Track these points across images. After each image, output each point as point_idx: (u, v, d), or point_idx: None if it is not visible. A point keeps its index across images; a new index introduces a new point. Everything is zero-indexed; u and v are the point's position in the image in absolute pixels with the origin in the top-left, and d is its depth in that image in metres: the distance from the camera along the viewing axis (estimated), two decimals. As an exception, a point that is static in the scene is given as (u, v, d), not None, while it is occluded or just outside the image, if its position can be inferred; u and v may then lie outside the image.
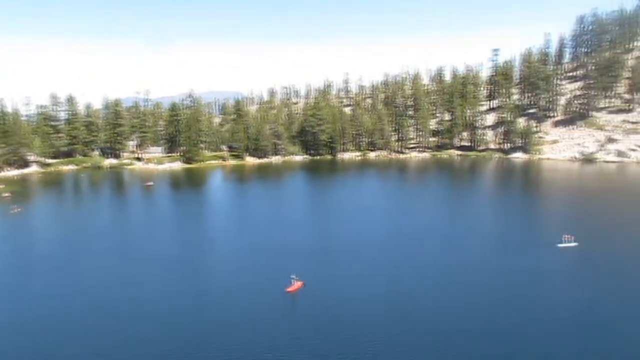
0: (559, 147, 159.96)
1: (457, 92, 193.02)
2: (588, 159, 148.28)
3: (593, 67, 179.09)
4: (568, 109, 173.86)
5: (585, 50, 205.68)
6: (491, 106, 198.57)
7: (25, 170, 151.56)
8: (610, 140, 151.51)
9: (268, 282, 52.18)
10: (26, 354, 38.87)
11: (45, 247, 70.30)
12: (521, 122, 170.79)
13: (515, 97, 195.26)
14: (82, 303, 48.00)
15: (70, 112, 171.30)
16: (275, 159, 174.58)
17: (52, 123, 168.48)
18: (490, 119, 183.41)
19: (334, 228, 77.13)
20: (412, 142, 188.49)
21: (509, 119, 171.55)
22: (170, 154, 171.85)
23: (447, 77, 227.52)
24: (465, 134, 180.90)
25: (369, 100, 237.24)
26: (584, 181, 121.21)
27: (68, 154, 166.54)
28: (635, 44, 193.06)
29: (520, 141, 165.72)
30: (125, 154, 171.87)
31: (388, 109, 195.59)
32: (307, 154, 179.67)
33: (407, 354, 36.87)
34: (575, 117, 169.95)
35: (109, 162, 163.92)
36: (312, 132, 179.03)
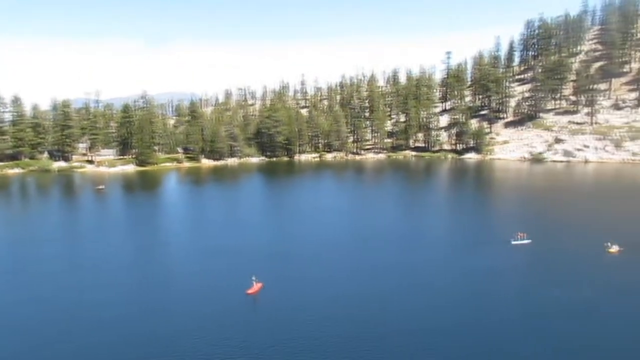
0: (510, 148, 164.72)
1: (411, 94, 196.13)
2: (537, 159, 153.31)
3: (540, 70, 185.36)
4: (518, 111, 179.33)
5: (533, 53, 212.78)
6: (445, 108, 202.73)
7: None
8: (558, 140, 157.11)
9: (228, 285, 51.32)
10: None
11: (-11, 254, 66.93)
12: (473, 123, 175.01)
13: (468, 99, 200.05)
14: (32, 311, 45.81)
15: (15, 114, 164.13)
16: (231, 161, 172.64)
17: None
18: (444, 120, 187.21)
19: (293, 230, 76.78)
20: (368, 143, 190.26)
21: (461, 120, 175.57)
22: (122, 157, 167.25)
23: (402, 79, 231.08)
24: (420, 135, 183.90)
25: (325, 102, 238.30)
26: (534, 180, 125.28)
27: (14, 157, 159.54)
28: (579, 48, 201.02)
29: (472, 142, 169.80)
30: (75, 157, 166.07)
31: (344, 111, 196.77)
32: (263, 156, 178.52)
33: (368, 355, 36.87)
34: (525, 118, 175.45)
35: (58, 165, 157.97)
36: (268, 133, 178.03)
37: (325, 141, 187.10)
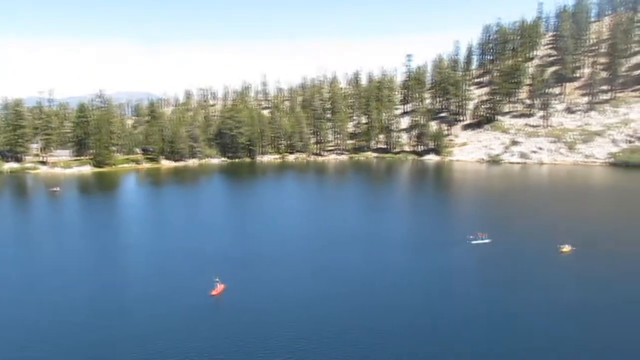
0: (468, 149, 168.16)
1: (373, 95, 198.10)
2: (494, 161, 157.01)
3: (497, 74, 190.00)
4: (476, 113, 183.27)
5: (491, 57, 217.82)
6: (405, 110, 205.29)
7: None
8: (514, 142, 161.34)
9: (191, 287, 50.79)
10: None
11: None
12: (433, 125, 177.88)
13: (428, 101, 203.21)
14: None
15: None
16: (192, 162, 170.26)
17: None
18: (405, 122, 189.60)
19: (255, 231, 76.24)
20: (331, 144, 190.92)
21: (422, 122, 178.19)
22: (79, 158, 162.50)
23: (364, 81, 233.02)
24: (381, 136, 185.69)
25: (287, 103, 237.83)
26: (492, 181, 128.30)
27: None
28: (535, 53, 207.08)
29: (432, 143, 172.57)
30: (28, 158, 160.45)
31: (306, 112, 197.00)
32: (225, 157, 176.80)
33: (330, 354, 36.91)
34: (483, 120, 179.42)
35: (9, 166, 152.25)
36: (230, 134, 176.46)
37: (288, 142, 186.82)
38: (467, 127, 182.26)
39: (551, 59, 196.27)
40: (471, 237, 65.35)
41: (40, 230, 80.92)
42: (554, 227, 72.27)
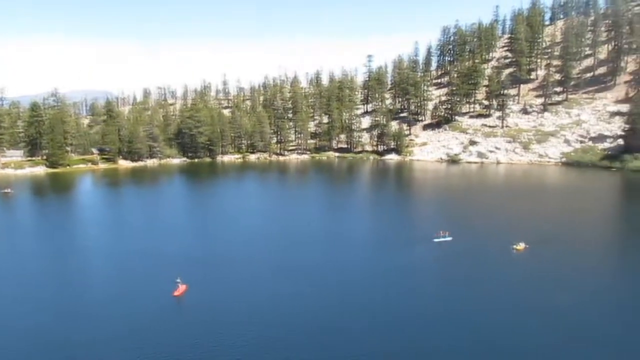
0: (428, 149, 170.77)
1: (334, 95, 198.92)
2: (453, 160, 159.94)
3: (456, 75, 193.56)
4: (435, 114, 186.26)
5: (449, 59, 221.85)
6: (366, 110, 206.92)
7: None
8: (472, 142, 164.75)
9: (152, 288, 50.14)
10: None
11: None
12: (394, 125, 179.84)
13: (388, 101, 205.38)
14: None
15: None
16: (151, 162, 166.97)
17: None
18: (366, 122, 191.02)
19: (216, 232, 75.54)
20: (292, 144, 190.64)
21: (382, 122, 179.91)
22: (31, 158, 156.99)
23: (325, 80, 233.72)
24: (342, 136, 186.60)
25: (248, 103, 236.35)
26: (451, 180, 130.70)
27: None
28: (491, 54, 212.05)
29: (393, 143, 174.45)
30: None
31: (267, 112, 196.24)
32: (185, 157, 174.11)
33: (292, 354, 36.81)
34: (442, 121, 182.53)
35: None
36: (190, 134, 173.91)
37: (249, 142, 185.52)
38: (427, 127, 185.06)
39: (507, 61, 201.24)
40: (435, 234, 66.31)
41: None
42: (510, 225, 74.28)
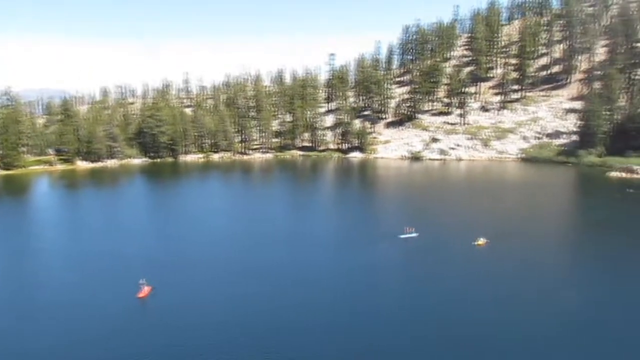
0: (391, 147, 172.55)
1: (297, 94, 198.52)
2: (416, 157, 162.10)
3: (417, 74, 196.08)
4: (397, 111, 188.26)
5: (411, 57, 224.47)
6: (329, 108, 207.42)
7: None
8: (434, 140, 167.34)
9: (116, 290, 49.34)
10: None
11: None
12: (357, 123, 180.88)
13: (351, 99, 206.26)
14: None
15: None
16: (111, 163, 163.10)
17: None
18: (329, 120, 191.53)
19: (180, 232, 74.46)
20: (256, 143, 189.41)
21: (346, 120, 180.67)
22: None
23: (287, 79, 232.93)
24: (306, 134, 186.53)
25: (210, 101, 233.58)
26: (415, 177, 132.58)
27: None
28: (452, 53, 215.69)
29: (356, 141, 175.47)
30: None
31: (230, 110, 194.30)
32: (146, 157, 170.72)
33: (257, 355, 36.66)
34: (404, 118, 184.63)
35: None
36: (151, 133, 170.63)
37: (212, 141, 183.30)
38: (389, 124, 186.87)
39: (467, 59, 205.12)
40: (402, 231, 67.04)
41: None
42: (471, 221, 75.83)
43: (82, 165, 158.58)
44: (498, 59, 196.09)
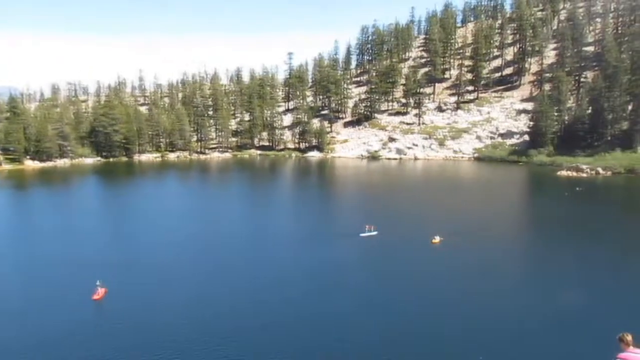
0: (349, 146, 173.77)
1: (255, 93, 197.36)
2: (373, 157, 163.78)
3: (375, 74, 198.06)
4: (355, 111, 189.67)
5: (369, 58, 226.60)
6: (288, 107, 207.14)
7: None
8: (391, 139, 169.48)
9: (69, 293, 47.63)
10: None
11: None
12: (315, 122, 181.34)
13: (310, 99, 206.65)
14: None
15: None
16: (61, 162, 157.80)
17: None
18: (288, 119, 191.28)
19: (136, 233, 72.71)
20: (213, 142, 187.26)
21: (304, 120, 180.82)
22: None
23: (245, 78, 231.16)
24: (264, 134, 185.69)
25: (166, 100, 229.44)
26: (373, 176, 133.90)
27: None
28: (408, 54, 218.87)
29: (315, 141, 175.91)
30: None
31: (187, 109, 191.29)
32: (99, 156, 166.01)
33: (215, 356, 36.20)
34: (362, 118, 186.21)
35: None
36: (104, 132, 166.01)
37: (168, 140, 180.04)
38: (347, 124, 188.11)
39: (423, 60, 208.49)
40: (362, 229, 67.44)
41: None
42: (428, 219, 77.10)
43: (31, 165, 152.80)
44: (453, 60, 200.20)
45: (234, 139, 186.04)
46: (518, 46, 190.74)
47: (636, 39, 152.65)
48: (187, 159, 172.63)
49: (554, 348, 36.95)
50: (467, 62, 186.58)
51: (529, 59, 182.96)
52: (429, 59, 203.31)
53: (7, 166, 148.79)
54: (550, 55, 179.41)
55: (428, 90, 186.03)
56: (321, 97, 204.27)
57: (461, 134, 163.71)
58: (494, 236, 68.19)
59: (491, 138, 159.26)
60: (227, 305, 45.29)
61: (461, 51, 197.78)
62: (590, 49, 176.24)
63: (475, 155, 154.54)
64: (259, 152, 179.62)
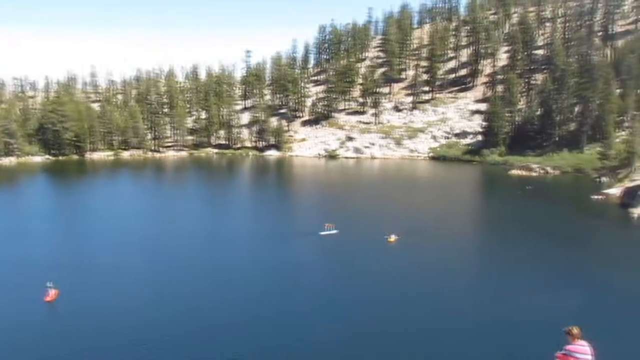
0: (307, 145, 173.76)
1: (212, 90, 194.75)
2: (331, 156, 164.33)
3: (332, 73, 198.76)
4: (313, 110, 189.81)
5: (326, 57, 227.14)
6: (245, 106, 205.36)
7: None
8: (349, 138, 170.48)
9: (19, 295, 46.14)
10: None
11: None
12: (273, 121, 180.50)
13: (268, 97, 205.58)
14: None
15: None
16: (7, 161, 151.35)
17: None
18: (245, 118, 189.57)
19: (88, 234, 70.46)
20: (169, 140, 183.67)
21: (262, 118, 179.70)
22: None
23: (202, 75, 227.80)
24: (221, 132, 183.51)
25: (120, 97, 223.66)
26: (331, 175, 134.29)
27: None
28: (365, 54, 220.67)
29: (273, 139, 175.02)
30: None
31: (141, 106, 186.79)
32: (49, 155, 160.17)
33: (167, 357, 35.58)
34: (320, 117, 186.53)
35: None
36: (53, 129, 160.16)
37: (122, 138, 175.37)
38: (305, 123, 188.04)
39: (380, 60, 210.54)
40: (322, 228, 67.41)
41: None
42: (385, 217, 77.85)
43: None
44: (409, 61, 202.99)
45: (190, 137, 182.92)
46: (472, 48, 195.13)
47: (583, 44, 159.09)
48: (142, 157, 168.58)
49: (506, 343, 37.94)
50: (423, 63, 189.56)
51: (483, 61, 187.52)
52: (386, 59, 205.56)
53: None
54: (502, 57, 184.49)
55: (385, 90, 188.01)
56: (279, 95, 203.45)
57: (417, 133, 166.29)
58: (449, 235, 69.52)
59: (446, 138, 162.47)
60: (185, 306, 44.47)
61: (417, 52, 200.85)
62: (540, 52, 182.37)
63: (431, 154, 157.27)
64: (215, 150, 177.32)
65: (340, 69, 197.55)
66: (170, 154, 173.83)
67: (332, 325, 41.02)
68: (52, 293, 45.38)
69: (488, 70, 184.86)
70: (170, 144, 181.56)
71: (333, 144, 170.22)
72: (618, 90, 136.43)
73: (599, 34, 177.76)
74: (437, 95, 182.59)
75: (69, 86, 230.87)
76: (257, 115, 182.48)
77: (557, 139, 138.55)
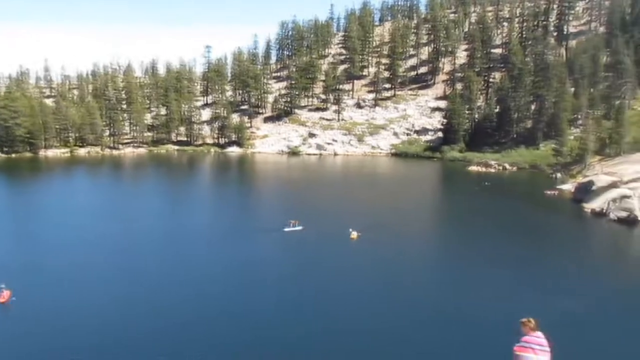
0: (269, 141, 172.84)
1: (172, 86, 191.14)
2: (293, 152, 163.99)
3: (294, 69, 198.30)
4: (275, 106, 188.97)
5: (288, 53, 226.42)
6: (206, 102, 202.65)
7: None
8: (311, 135, 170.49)
9: None
10: None
11: None
12: (235, 117, 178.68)
13: (229, 93, 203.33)
14: None
15: None
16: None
17: None
18: (206, 114, 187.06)
19: (42, 234, 68.17)
20: (127, 137, 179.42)
21: (223, 114, 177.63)
22: None
23: (161, 70, 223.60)
24: (182, 128, 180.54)
25: (75, 92, 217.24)
26: (294, 172, 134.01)
27: None
28: (327, 51, 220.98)
29: (234, 136, 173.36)
30: None
31: (98, 102, 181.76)
32: (0, 152, 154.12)
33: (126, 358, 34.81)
34: (282, 114, 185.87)
35: None
36: (5, 126, 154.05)
37: (77, 135, 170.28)
38: (267, 119, 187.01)
39: (342, 57, 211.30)
40: (286, 224, 67.09)
41: None
42: (348, 214, 78.13)
43: None
44: (371, 58, 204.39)
45: (149, 134, 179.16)
46: (432, 46, 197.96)
47: (539, 43, 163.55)
48: (99, 154, 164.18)
49: (466, 336, 38.65)
50: (384, 60, 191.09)
51: (443, 59, 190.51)
52: (347, 56, 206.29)
53: None
54: (462, 56, 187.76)
55: (347, 86, 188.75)
56: (240, 91, 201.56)
57: (379, 130, 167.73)
58: (409, 230, 70.45)
59: (407, 134, 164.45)
60: (144, 306, 43.60)
61: (379, 49, 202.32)
62: (498, 51, 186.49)
63: (392, 151, 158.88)
64: (176, 147, 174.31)
65: (302, 66, 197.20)
66: (129, 151, 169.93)
67: (296, 321, 40.95)
68: (4, 294, 43.96)
69: (448, 68, 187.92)
70: (128, 141, 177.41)
71: (295, 140, 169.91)
72: (572, 89, 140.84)
73: (554, 34, 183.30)
74: (399, 93, 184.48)
75: (21, 81, 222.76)
76: (218, 111, 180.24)
77: (514, 135, 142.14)
